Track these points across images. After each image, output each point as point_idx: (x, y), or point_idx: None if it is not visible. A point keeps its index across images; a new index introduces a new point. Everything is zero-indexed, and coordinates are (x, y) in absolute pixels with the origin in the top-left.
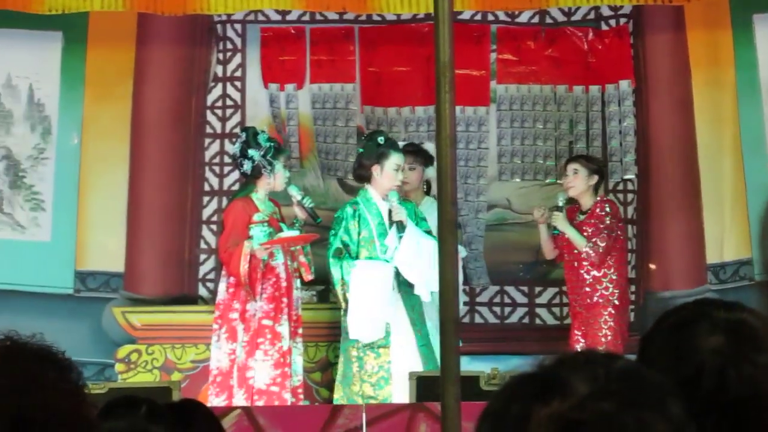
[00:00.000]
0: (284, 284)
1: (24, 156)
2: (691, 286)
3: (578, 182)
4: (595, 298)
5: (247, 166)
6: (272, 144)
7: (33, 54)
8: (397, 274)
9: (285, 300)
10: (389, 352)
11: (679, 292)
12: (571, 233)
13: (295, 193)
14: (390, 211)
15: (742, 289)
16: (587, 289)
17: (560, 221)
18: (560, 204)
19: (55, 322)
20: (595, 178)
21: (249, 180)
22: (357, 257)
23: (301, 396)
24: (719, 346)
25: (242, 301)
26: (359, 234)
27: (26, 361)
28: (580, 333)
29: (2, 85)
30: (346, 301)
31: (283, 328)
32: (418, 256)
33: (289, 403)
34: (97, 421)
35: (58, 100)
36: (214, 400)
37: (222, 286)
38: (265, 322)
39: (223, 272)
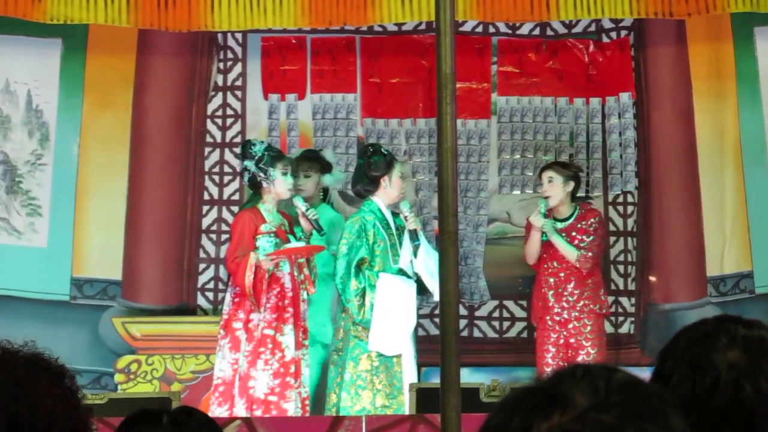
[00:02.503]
0: (290, 294)
1: (21, 161)
2: (692, 299)
3: (555, 190)
4: (580, 309)
5: (245, 177)
6: (267, 152)
7: (32, 60)
8: None
9: (291, 310)
10: (401, 362)
11: (679, 304)
12: (560, 242)
13: (300, 204)
14: (393, 222)
15: (742, 301)
16: (571, 298)
17: (549, 229)
18: (542, 211)
19: (52, 328)
20: (571, 184)
21: (254, 191)
22: (372, 268)
23: (309, 408)
24: (736, 361)
25: (246, 311)
26: (375, 244)
27: (18, 369)
28: (555, 349)
29: (1, 90)
30: (363, 311)
31: (286, 338)
32: (437, 265)
33: (290, 414)
34: (92, 423)
35: (56, 106)
36: (216, 409)
37: (228, 296)
38: (267, 331)
39: (230, 282)
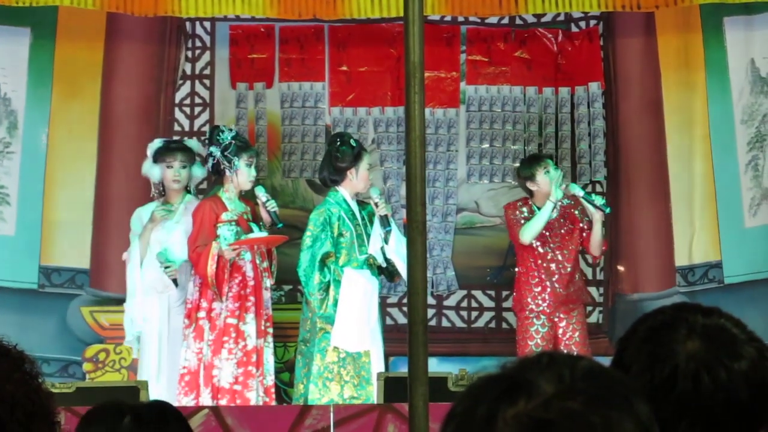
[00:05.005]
0: (251, 283)
1: None
2: (660, 289)
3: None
4: (573, 297)
5: (209, 163)
6: (234, 141)
7: (0, 49)
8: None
9: (252, 299)
10: (369, 353)
11: (647, 294)
12: (599, 228)
13: (261, 195)
14: (359, 212)
15: (710, 291)
16: (569, 287)
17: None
18: (583, 191)
19: (20, 317)
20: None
21: (216, 178)
22: (337, 260)
23: (275, 396)
24: (695, 351)
25: (209, 300)
26: (340, 236)
27: None
28: (540, 336)
29: None
30: (326, 305)
31: (248, 327)
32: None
33: (254, 403)
34: (54, 407)
35: (25, 95)
36: (183, 399)
37: (191, 285)
38: (230, 320)
39: (192, 271)
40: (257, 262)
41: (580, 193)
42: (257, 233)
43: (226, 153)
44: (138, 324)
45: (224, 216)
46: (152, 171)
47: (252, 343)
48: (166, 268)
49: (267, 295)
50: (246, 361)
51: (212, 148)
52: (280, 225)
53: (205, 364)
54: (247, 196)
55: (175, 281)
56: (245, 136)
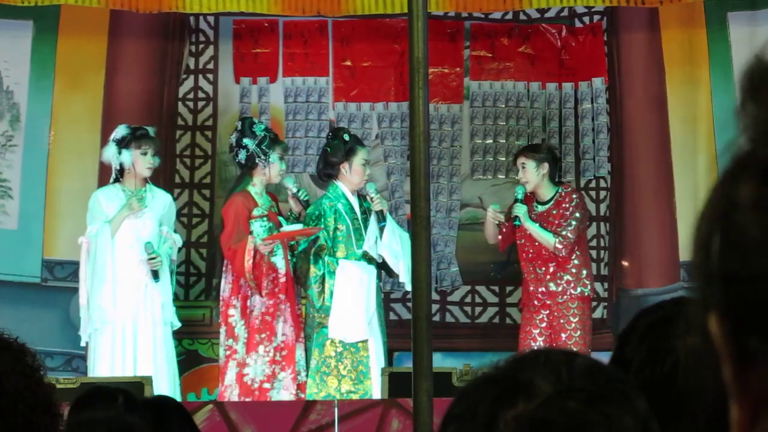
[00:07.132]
0: (283, 279)
1: None
2: (665, 284)
3: (529, 175)
4: (562, 292)
5: (241, 155)
6: (268, 134)
7: (3, 41)
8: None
9: (282, 296)
10: (368, 347)
11: (652, 289)
12: (536, 230)
13: (291, 186)
14: (360, 206)
15: None
16: (552, 283)
17: (524, 215)
18: (519, 197)
19: (22, 310)
20: (546, 166)
21: (244, 172)
22: (334, 253)
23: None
24: (695, 346)
25: (242, 297)
26: (336, 230)
27: None
28: (538, 331)
29: None
30: (323, 298)
31: (282, 324)
32: (403, 246)
33: (284, 399)
34: (56, 399)
35: (27, 87)
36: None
37: (224, 282)
38: (265, 318)
39: (225, 268)
40: (288, 257)
41: (519, 196)
42: (290, 226)
43: (261, 146)
44: (109, 312)
45: (256, 211)
46: (123, 156)
47: (285, 339)
48: (151, 259)
49: (299, 289)
50: (279, 359)
51: (246, 140)
52: None
53: (237, 361)
54: (269, 190)
55: (155, 273)
56: None
